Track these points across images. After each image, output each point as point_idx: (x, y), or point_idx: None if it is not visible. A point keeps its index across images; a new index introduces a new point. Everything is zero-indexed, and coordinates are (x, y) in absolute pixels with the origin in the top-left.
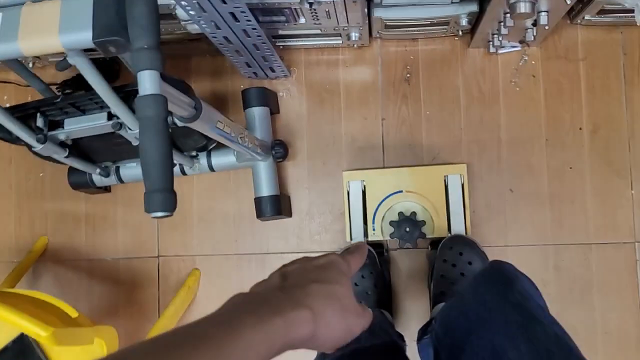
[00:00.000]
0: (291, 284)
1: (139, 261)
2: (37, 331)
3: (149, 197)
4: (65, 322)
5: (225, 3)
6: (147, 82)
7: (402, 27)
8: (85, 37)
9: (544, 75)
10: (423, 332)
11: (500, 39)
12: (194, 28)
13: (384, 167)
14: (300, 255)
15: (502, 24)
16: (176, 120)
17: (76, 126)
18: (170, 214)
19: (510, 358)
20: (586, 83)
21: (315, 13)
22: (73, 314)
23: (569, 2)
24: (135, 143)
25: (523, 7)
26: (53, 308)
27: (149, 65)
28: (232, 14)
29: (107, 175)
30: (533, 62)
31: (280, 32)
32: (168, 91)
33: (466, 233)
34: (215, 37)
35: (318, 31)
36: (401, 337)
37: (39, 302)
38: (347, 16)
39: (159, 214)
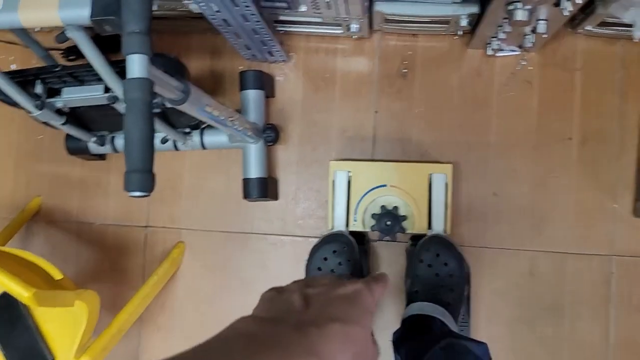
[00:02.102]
0: (310, 319)
1: (127, 229)
2: (20, 291)
3: (128, 176)
4: (49, 283)
5: None
6: (135, 65)
7: (402, 22)
8: (83, 14)
9: (540, 82)
10: (397, 338)
11: (498, 42)
12: (195, 7)
13: (371, 160)
14: (283, 239)
15: (500, 28)
16: (165, 102)
17: (73, 95)
18: (147, 194)
19: None
20: (581, 93)
21: (316, 3)
22: (57, 276)
23: (566, 14)
24: None
25: (520, 15)
26: (38, 269)
27: (138, 49)
28: None
29: (103, 144)
30: (530, 68)
31: (282, 17)
32: (156, 75)
33: (445, 232)
34: (214, 19)
35: (319, 20)
36: None
37: (25, 262)
38: (347, 8)
39: (137, 193)
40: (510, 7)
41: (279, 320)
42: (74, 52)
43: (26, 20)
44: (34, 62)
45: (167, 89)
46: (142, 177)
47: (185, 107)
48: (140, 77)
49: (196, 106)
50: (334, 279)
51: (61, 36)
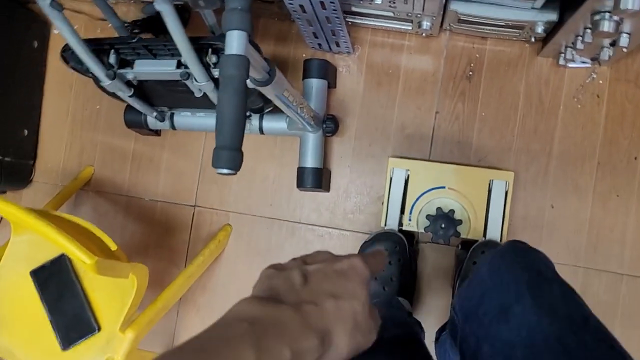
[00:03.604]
0: (307, 298)
1: (176, 207)
2: (83, 258)
3: (218, 153)
4: (104, 253)
5: None
6: (235, 41)
7: (474, 23)
8: None
9: (609, 97)
10: (440, 332)
11: (573, 53)
12: None
13: (429, 160)
14: (331, 231)
15: (579, 38)
16: (248, 82)
17: (146, 69)
18: (235, 172)
19: (514, 312)
20: None
21: None
22: (113, 247)
23: None
24: (198, 94)
25: (607, 26)
26: (93, 237)
27: (239, 25)
28: None
29: (162, 119)
30: (600, 82)
31: (353, 8)
32: (251, 54)
33: (501, 240)
34: (291, 5)
35: (390, 14)
36: (419, 324)
37: (81, 229)
38: (423, 4)
39: (225, 170)
40: (597, 17)
41: (280, 301)
42: (139, 25)
43: None
44: (99, 31)
45: (256, 69)
46: (232, 155)
47: (266, 89)
48: (238, 54)
49: (277, 90)
50: (330, 255)
51: (148, 8)
